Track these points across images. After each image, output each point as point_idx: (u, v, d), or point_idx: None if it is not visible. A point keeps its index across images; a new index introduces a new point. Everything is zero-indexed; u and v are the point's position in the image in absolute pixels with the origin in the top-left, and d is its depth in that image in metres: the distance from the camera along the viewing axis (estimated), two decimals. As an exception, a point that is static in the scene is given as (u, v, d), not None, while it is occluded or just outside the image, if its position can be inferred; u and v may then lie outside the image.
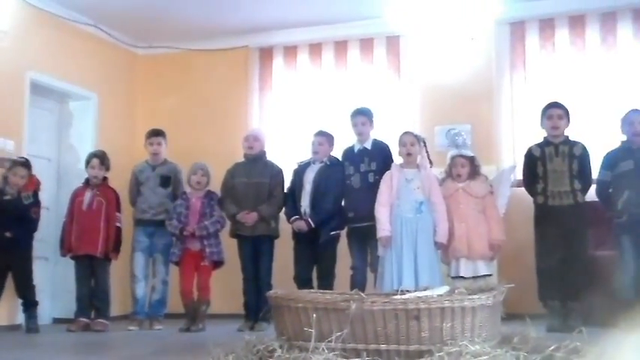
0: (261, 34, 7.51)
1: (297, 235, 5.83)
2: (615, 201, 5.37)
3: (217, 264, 6.11)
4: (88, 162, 6.28)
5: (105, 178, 6.30)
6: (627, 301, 5.24)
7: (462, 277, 5.14)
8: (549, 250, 5.37)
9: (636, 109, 5.50)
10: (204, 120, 7.60)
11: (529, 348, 3.07)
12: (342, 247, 5.79)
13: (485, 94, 6.78)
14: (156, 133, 6.49)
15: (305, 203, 5.80)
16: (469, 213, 5.26)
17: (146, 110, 7.78)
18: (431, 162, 5.48)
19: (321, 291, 4.06)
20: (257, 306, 5.79)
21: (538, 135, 5.74)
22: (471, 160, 5.37)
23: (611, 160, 5.48)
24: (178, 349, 4.75)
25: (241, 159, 6.23)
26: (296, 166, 6.04)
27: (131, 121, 7.72)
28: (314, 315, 3.02)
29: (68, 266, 6.28)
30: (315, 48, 7.45)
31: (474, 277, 5.11)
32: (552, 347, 3.01)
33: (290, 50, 7.54)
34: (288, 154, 6.92)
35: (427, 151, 5.47)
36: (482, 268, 5.21)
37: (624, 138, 5.51)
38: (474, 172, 5.35)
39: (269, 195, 6.01)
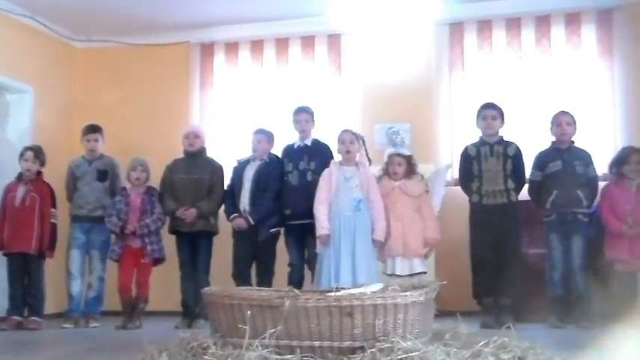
0: (202, 30, 7.47)
1: (236, 233, 5.83)
2: (544, 200, 5.52)
3: (158, 261, 6.07)
4: (21, 155, 6.14)
5: (39, 173, 6.17)
6: (556, 297, 5.40)
7: (397, 274, 5.19)
8: (483, 248, 5.47)
9: (564, 111, 5.66)
10: (144, 115, 7.52)
11: (460, 344, 3.12)
12: (281, 244, 5.81)
13: (424, 93, 6.88)
14: (93, 129, 6.40)
15: (244, 201, 5.79)
16: (405, 212, 5.31)
17: (84, 105, 7.65)
18: (370, 160, 5.51)
19: (257, 288, 4.07)
20: (195, 303, 5.76)
21: (475, 134, 5.83)
22: (408, 159, 5.41)
23: (541, 161, 5.63)
24: (113, 347, 4.70)
25: (181, 155, 6.19)
26: (236, 164, 6.03)
27: (68, 116, 7.58)
28: (248, 312, 3.02)
29: (0, 263, 6.14)
30: (257, 45, 7.44)
31: (409, 275, 5.16)
32: (482, 343, 3.06)
33: (231, 46, 7.52)
34: (228, 151, 6.90)
35: (366, 149, 5.51)
36: (418, 266, 5.25)
37: (554, 139, 5.66)
38: (411, 170, 5.40)
39: (209, 191, 6.00)
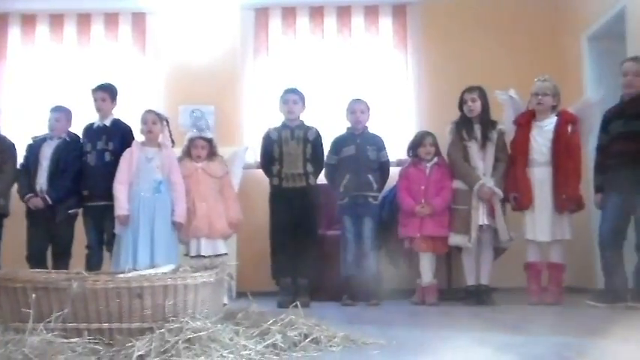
0: (-5, -1, 7.03)
1: (31, 213, 5.59)
2: (338, 184, 5.75)
3: (-62, 245, 5.68)
4: None
5: None
6: (348, 276, 5.67)
7: (202, 255, 5.23)
8: (282, 230, 5.61)
9: (357, 99, 5.90)
10: None
11: (250, 323, 3.24)
12: (79, 226, 5.65)
13: (229, 76, 6.92)
14: None
15: (42, 180, 5.57)
16: (209, 193, 5.39)
17: None
18: (173, 141, 5.52)
19: (46, 270, 3.95)
20: (-17, 288, 5.46)
21: (279, 118, 5.94)
22: (210, 142, 5.49)
23: (337, 145, 5.84)
24: None
25: (-31, 133, 5.83)
26: (30, 142, 5.78)
27: None
28: (33, 295, 2.94)
29: None
30: (57, 19, 7.13)
31: (215, 256, 5.20)
32: (270, 321, 3.19)
33: (28, 19, 7.14)
34: (23, 128, 6.56)
35: (170, 131, 5.50)
36: (222, 247, 5.35)
37: (349, 124, 5.91)
38: (212, 152, 5.49)
39: (-2, 170, 5.70)
